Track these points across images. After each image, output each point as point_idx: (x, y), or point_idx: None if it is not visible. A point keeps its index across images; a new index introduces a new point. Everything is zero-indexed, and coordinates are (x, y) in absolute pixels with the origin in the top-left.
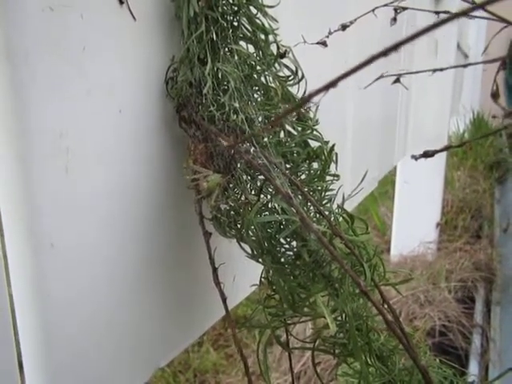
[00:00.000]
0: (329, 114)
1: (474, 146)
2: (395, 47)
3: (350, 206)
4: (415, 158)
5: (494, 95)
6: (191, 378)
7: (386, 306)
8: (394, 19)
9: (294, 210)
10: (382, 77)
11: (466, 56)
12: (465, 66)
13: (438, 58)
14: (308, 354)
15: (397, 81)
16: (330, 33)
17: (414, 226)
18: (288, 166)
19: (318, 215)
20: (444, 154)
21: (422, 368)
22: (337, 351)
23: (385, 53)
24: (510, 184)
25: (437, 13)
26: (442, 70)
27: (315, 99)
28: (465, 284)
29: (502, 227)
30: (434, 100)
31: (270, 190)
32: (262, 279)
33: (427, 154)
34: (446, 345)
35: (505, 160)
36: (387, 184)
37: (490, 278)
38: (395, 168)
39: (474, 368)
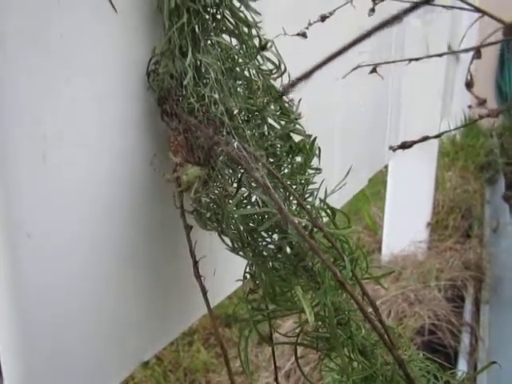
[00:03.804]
0: (317, 112)
1: (465, 147)
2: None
3: (339, 204)
4: (393, 149)
5: (469, 84)
6: (181, 377)
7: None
8: (372, 10)
9: (273, 202)
10: (358, 67)
11: (457, 58)
12: (440, 55)
13: (429, 60)
14: (298, 352)
15: (373, 71)
16: (310, 24)
17: (404, 226)
18: (271, 160)
19: (299, 208)
20: (435, 154)
21: (398, 359)
22: (319, 345)
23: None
24: (500, 185)
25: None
26: (417, 59)
27: (299, 93)
28: (454, 283)
29: (492, 227)
30: (425, 101)
31: (252, 183)
32: (246, 274)
33: (404, 146)
34: (435, 343)
35: (495, 161)
36: (379, 184)
37: (480, 277)
38: (387, 168)
39: (462, 366)
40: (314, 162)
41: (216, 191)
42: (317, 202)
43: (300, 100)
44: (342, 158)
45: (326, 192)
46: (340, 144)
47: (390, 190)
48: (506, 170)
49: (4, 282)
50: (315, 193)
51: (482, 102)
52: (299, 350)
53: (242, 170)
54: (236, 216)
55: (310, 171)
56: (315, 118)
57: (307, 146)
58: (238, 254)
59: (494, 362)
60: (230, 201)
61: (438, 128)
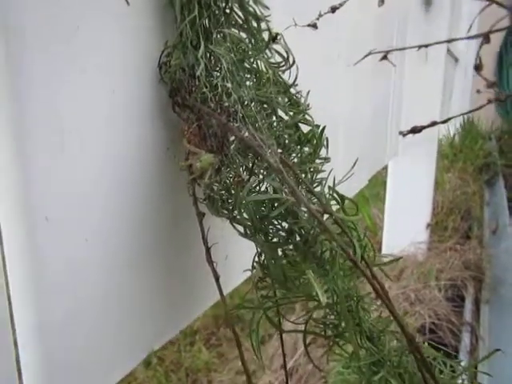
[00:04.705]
0: (320, 113)
1: (464, 149)
2: None
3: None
4: (403, 134)
5: (477, 67)
6: (183, 377)
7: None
8: (382, 0)
9: (285, 186)
10: (370, 54)
11: (456, 60)
12: (443, 42)
13: (428, 62)
14: (300, 350)
15: (384, 58)
16: (321, 15)
17: (404, 227)
18: (280, 150)
19: (309, 195)
20: (434, 156)
21: (408, 335)
22: (328, 333)
23: None
24: (499, 186)
25: None
26: (426, 46)
27: (306, 86)
28: (454, 283)
29: (491, 228)
30: (424, 102)
31: (263, 170)
32: (255, 263)
33: (415, 130)
34: (436, 342)
35: (494, 163)
36: (378, 186)
37: (480, 277)
38: (386, 170)
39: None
40: (322, 153)
41: (229, 178)
42: (325, 191)
43: (308, 92)
44: (343, 157)
45: (334, 180)
46: (342, 143)
47: (390, 191)
48: (505, 172)
49: (22, 263)
50: (323, 182)
51: (491, 85)
52: (301, 349)
53: (254, 157)
54: (248, 202)
55: (318, 161)
56: (318, 118)
57: (316, 136)
58: (249, 239)
59: (498, 350)
60: (243, 186)
61: (437, 127)
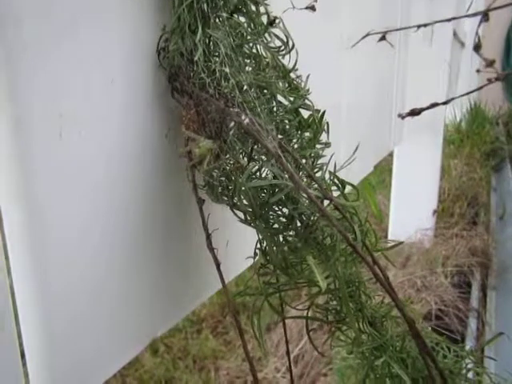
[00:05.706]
0: (322, 97)
1: (470, 135)
2: None
3: (345, 189)
4: (402, 116)
5: (476, 47)
6: (190, 364)
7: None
8: None
9: (284, 171)
10: (368, 35)
11: (462, 44)
12: (448, 20)
13: (433, 46)
14: (306, 337)
15: (383, 38)
16: None
17: (410, 214)
18: (280, 136)
19: (309, 180)
20: (440, 142)
21: (408, 319)
22: (330, 318)
23: None
24: (506, 172)
25: None
26: (425, 25)
27: (308, 71)
28: (461, 269)
29: (498, 214)
30: (430, 88)
31: (263, 156)
32: (257, 250)
33: (414, 113)
34: (443, 328)
35: (501, 148)
36: (384, 172)
37: (486, 263)
38: (392, 157)
39: None
40: (323, 138)
41: (228, 164)
42: (326, 176)
43: (308, 76)
44: (346, 143)
45: (335, 165)
46: (345, 129)
47: (396, 178)
48: None
49: (24, 257)
50: (324, 167)
51: (490, 63)
52: (306, 337)
53: (253, 142)
54: (248, 188)
55: (319, 146)
56: (321, 104)
57: (316, 121)
58: (249, 225)
59: (502, 333)
60: (242, 172)
61: (443, 112)
